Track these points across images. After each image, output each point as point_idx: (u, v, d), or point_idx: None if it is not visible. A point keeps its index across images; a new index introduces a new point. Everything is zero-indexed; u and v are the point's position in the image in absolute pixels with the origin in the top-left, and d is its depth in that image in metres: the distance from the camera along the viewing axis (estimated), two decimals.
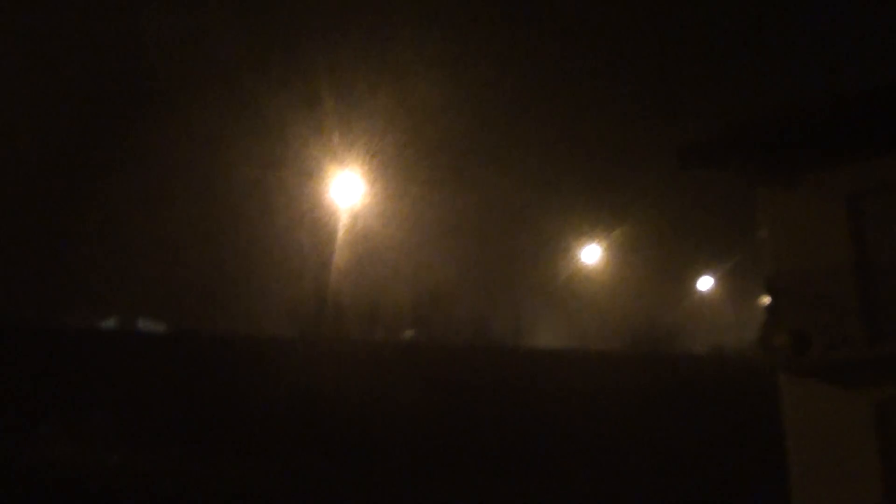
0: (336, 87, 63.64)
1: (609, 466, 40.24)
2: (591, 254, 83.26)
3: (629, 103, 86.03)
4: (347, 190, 59.59)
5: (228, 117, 65.15)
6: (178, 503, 18.02)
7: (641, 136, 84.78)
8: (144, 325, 59.07)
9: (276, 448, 32.94)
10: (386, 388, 37.73)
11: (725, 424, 45.88)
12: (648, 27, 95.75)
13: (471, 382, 40.16)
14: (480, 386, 40.65)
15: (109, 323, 58.35)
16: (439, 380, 39.06)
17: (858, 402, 24.15)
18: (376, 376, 38.13)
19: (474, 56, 75.44)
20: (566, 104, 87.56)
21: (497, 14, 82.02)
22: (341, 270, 51.81)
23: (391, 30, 71.40)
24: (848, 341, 24.07)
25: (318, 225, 59.34)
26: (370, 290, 42.14)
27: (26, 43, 62.06)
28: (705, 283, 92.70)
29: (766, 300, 25.98)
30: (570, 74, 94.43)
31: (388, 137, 63.43)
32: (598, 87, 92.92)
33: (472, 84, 71.78)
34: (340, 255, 55.46)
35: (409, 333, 66.83)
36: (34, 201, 61.58)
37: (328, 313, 40.16)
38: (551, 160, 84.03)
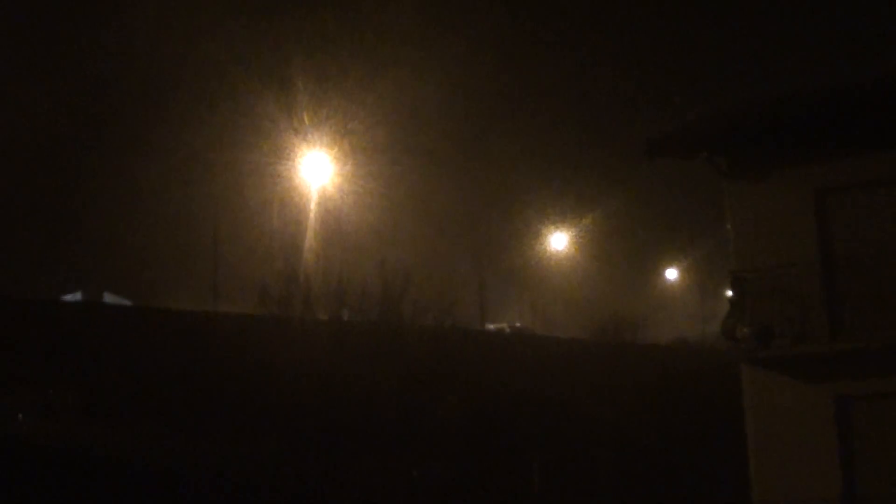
0: (306, 68, 63.57)
1: (569, 453, 40.45)
2: (559, 241, 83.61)
3: (601, 91, 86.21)
4: (318, 170, 59.62)
5: (198, 97, 64.98)
6: (142, 477, 18.12)
7: (612, 125, 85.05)
8: (111, 299, 58.88)
9: (242, 425, 32.96)
10: (353, 368, 37.78)
11: (688, 415, 46.13)
12: (621, 17, 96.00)
13: (436, 364, 40.22)
14: (446, 368, 40.72)
15: (76, 297, 58.13)
16: (405, 361, 39.11)
17: (819, 395, 24.41)
18: (343, 356, 38.16)
19: (446, 38, 75.48)
20: (539, 90, 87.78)
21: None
22: (311, 250, 51.86)
23: (361, 10, 71.33)
24: (811, 335, 24.32)
25: (288, 204, 59.38)
26: (339, 270, 42.11)
27: None
28: (671, 274, 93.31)
29: (730, 292, 26.18)
30: (542, 61, 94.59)
31: (358, 118, 63.46)
32: (571, 75, 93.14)
33: (443, 66, 71.84)
34: (310, 235, 55.50)
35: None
36: (4, 177, 61.33)
37: (297, 293, 40.08)
38: (522, 145, 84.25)
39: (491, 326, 69.45)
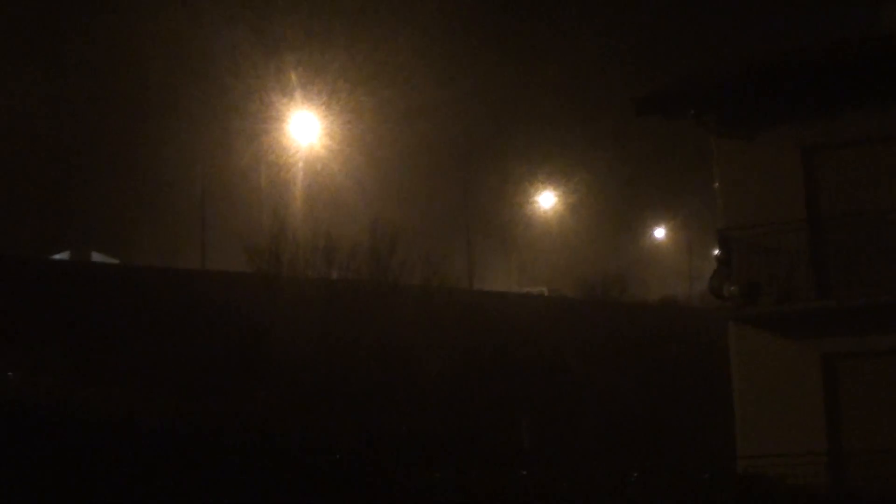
0: (293, 26, 63.39)
1: (557, 411, 40.61)
2: (547, 200, 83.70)
3: (589, 49, 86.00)
4: (305, 129, 59.56)
5: (185, 55, 64.70)
6: (133, 434, 18.25)
7: (600, 82, 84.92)
8: (99, 258, 58.85)
9: (232, 382, 33.06)
10: (341, 326, 37.87)
11: (675, 372, 46.35)
12: None
13: (424, 323, 40.33)
14: (433, 327, 40.84)
15: (63, 255, 58.11)
16: (393, 320, 39.21)
17: (806, 353, 24.58)
18: (331, 314, 38.24)
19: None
20: (526, 47, 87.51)
21: None
22: (299, 208, 51.89)
23: None
24: (797, 293, 24.46)
25: (276, 164, 59.34)
26: (328, 229, 42.13)
27: None
28: (659, 233, 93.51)
29: (717, 250, 26.29)
30: (529, 18, 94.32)
31: (345, 76, 63.33)
32: (559, 33, 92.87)
33: (432, 23, 71.62)
34: (298, 194, 55.53)
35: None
36: None
37: (286, 251, 40.11)
38: (511, 104, 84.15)
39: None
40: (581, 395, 43.64)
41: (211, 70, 63.96)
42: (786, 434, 24.22)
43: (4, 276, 39.00)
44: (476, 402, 38.97)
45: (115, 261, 58.36)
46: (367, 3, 68.81)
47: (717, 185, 26.44)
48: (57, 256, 56.94)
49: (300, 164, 58.29)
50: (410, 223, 51.29)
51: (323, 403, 31.92)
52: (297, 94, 60.58)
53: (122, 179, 66.23)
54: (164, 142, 63.80)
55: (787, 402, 24.65)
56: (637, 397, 44.10)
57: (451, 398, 38.20)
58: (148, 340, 36.77)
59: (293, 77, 61.46)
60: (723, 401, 26.93)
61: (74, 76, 66.89)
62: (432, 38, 72.68)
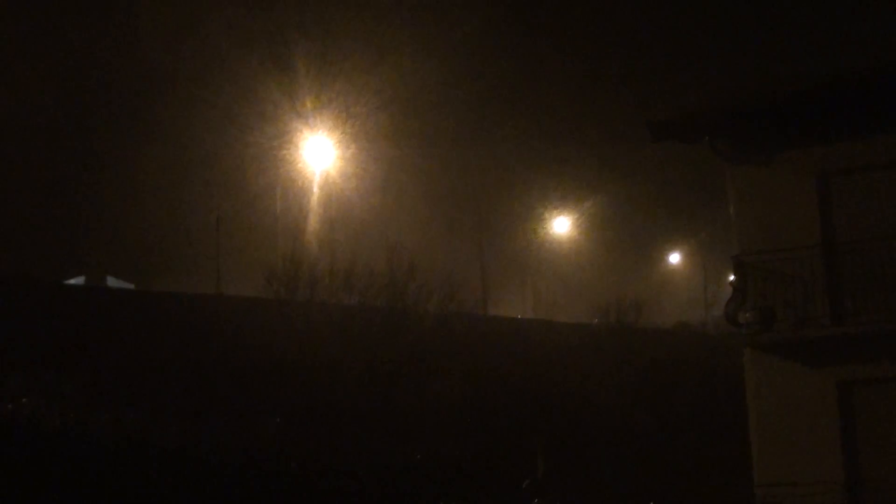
0: (308, 52, 63.61)
1: (572, 436, 40.52)
2: (562, 225, 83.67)
3: (604, 73, 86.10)
4: (320, 154, 59.71)
5: (200, 81, 64.95)
6: (146, 460, 18.22)
7: (614, 107, 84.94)
8: (114, 283, 58.98)
9: (246, 408, 33.05)
10: (358, 352, 37.90)
11: (690, 399, 46.22)
12: (624, 1, 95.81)
13: (440, 348, 40.33)
14: (449, 352, 40.83)
15: (79, 280, 58.25)
16: (410, 345, 39.24)
17: (822, 380, 24.44)
18: (348, 340, 38.27)
19: (447, 21, 75.45)
20: (540, 73, 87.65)
21: None
22: (314, 233, 51.98)
23: None
24: (813, 319, 24.35)
25: (291, 189, 59.49)
26: (343, 254, 42.25)
27: None
28: (674, 258, 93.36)
29: (733, 276, 26.20)
30: (543, 44, 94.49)
31: (360, 102, 63.50)
32: (573, 58, 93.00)
33: (444, 50, 71.82)
34: (314, 219, 55.62)
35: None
36: (6, 159, 61.38)
37: (302, 277, 40.17)
38: (524, 129, 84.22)
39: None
40: (596, 421, 43.55)
41: (226, 95, 64.19)
42: (802, 462, 24.09)
43: (19, 300, 39.10)
44: (491, 428, 38.91)
45: (130, 286, 58.48)
46: (383, 30, 69.06)
47: (731, 210, 26.38)
48: (72, 281, 57.08)
49: (315, 190, 58.41)
50: (426, 248, 51.37)
51: (338, 428, 31.90)
52: (313, 120, 60.78)
53: (138, 204, 66.41)
54: (179, 167, 64.03)
55: (804, 430, 24.52)
56: (652, 422, 43.99)
57: (465, 424, 38.15)
58: (162, 365, 36.79)
59: (308, 103, 61.69)
60: (739, 428, 26.82)
61: (92, 101, 67.22)
62: (449, 64, 72.93)
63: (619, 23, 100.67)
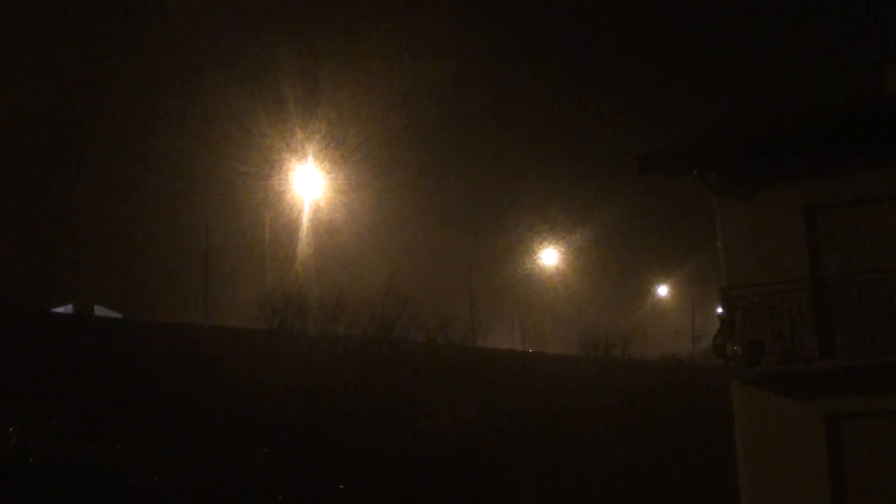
0: (297, 81, 63.70)
1: (559, 468, 40.47)
2: (550, 256, 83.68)
3: (592, 106, 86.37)
4: (310, 183, 59.75)
5: (189, 110, 64.96)
6: (133, 490, 18.08)
7: (602, 140, 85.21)
8: (101, 312, 58.74)
9: (232, 439, 32.96)
10: (345, 383, 37.82)
11: (678, 431, 46.18)
12: (612, 31, 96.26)
13: (429, 380, 40.30)
14: (438, 384, 40.80)
15: (66, 309, 58.00)
16: (398, 376, 39.18)
17: (810, 413, 24.45)
18: (336, 371, 38.20)
19: (438, 51, 75.67)
20: (530, 104, 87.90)
21: (464, 14, 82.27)
22: (303, 263, 51.92)
23: (353, 24, 71.47)
24: (801, 353, 24.37)
25: (280, 218, 59.46)
26: (332, 284, 42.19)
27: None
28: (662, 290, 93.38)
29: (721, 309, 26.21)
30: (534, 75, 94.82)
31: (350, 131, 63.59)
32: (561, 90, 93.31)
33: (434, 81, 71.96)
34: (304, 249, 55.56)
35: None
36: None
37: (292, 307, 40.11)
38: (515, 160, 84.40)
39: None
40: (584, 452, 43.49)
41: (215, 126, 64.18)
42: (790, 494, 24.10)
43: (6, 328, 38.97)
44: (479, 461, 38.83)
45: (117, 315, 58.28)
46: (372, 61, 69.17)
47: (719, 243, 26.42)
48: (60, 309, 56.85)
49: (305, 220, 58.39)
50: (415, 279, 51.33)
51: (325, 460, 31.80)
52: (302, 149, 60.82)
53: (126, 233, 66.28)
54: (168, 197, 63.96)
55: (792, 462, 24.52)
56: (640, 455, 43.97)
57: (454, 455, 38.07)
58: (150, 396, 36.68)
59: (297, 132, 61.74)
60: (726, 460, 26.81)
61: (80, 129, 67.15)
62: (438, 96, 73.08)
63: (607, 56, 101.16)
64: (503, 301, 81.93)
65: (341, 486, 25.54)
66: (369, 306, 41.05)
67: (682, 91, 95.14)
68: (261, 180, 60.40)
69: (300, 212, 58.96)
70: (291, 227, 58.78)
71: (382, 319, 40.83)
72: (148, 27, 65.99)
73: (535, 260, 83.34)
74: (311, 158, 60.64)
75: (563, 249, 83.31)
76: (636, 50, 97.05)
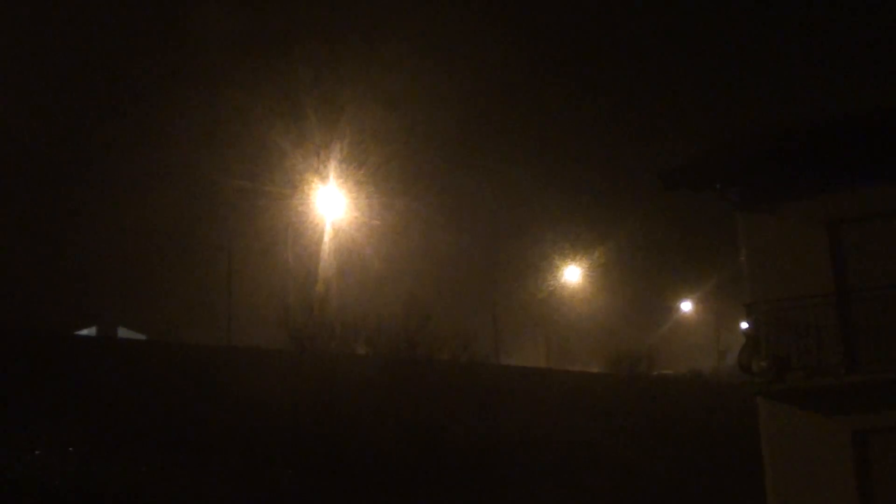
0: (320, 101, 63.82)
1: (583, 485, 40.31)
2: (573, 273, 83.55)
3: (615, 123, 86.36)
4: (332, 203, 59.81)
5: (213, 130, 65.20)
6: None
7: (625, 156, 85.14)
8: (125, 334, 58.91)
9: (256, 460, 32.93)
10: (370, 403, 37.79)
11: (703, 447, 45.96)
12: (636, 49, 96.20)
13: (451, 398, 40.22)
14: (460, 402, 40.71)
15: (90, 331, 58.19)
16: (421, 395, 39.13)
17: (836, 428, 24.28)
18: (359, 391, 38.17)
19: (460, 71, 75.80)
20: (552, 123, 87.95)
21: (484, 31, 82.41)
22: (325, 283, 51.89)
23: (376, 44, 71.64)
24: (827, 367, 24.21)
25: (303, 238, 59.50)
26: (355, 305, 42.24)
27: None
28: (686, 306, 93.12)
29: (745, 324, 26.08)
30: (556, 94, 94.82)
31: (372, 150, 63.64)
32: (584, 108, 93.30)
33: (457, 99, 72.15)
34: (326, 269, 55.55)
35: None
36: (17, 209, 61.57)
37: (314, 326, 40.12)
38: (536, 177, 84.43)
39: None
40: (608, 468, 43.31)
41: (238, 146, 64.40)
42: None
43: (31, 351, 39.09)
44: (502, 476, 38.73)
45: (141, 336, 58.42)
46: (394, 79, 69.25)
47: (743, 258, 26.30)
48: (84, 332, 57.03)
49: (327, 239, 58.43)
50: (438, 298, 51.30)
51: (350, 480, 31.76)
52: (325, 170, 60.89)
53: (150, 254, 66.51)
54: (191, 218, 64.13)
55: (819, 479, 24.33)
56: (665, 471, 43.75)
57: (476, 474, 37.96)
58: (173, 417, 36.71)
59: (319, 152, 61.79)
60: (753, 476, 26.64)
61: (105, 156, 67.47)
62: (461, 114, 73.20)
63: (631, 71, 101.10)
64: (527, 318, 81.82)
65: None
66: (391, 325, 41.01)
67: (703, 107, 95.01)
68: (283, 200, 60.50)
69: (322, 232, 59.00)
70: (313, 248, 58.82)
71: (404, 338, 40.78)
72: (172, 50, 66.33)
73: (559, 277, 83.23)
74: (333, 179, 60.71)
75: (586, 266, 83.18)
76: (658, 67, 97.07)
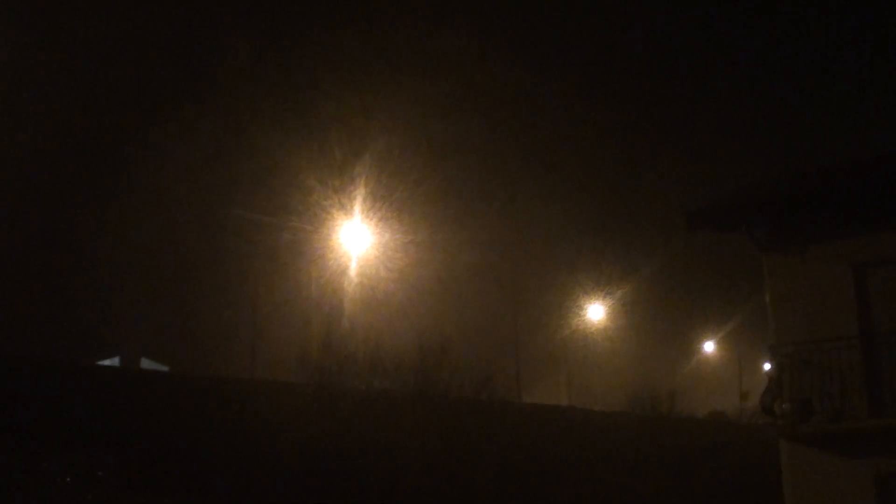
0: (344, 135, 64.10)
1: None
2: (596, 312, 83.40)
3: (639, 163, 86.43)
4: (356, 239, 59.92)
5: (237, 165, 65.57)
6: None
7: (649, 195, 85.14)
8: (148, 365, 59.05)
9: (279, 494, 32.95)
10: (390, 437, 37.77)
11: (725, 490, 45.74)
12: (658, 85, 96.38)
13: (472, 435, 40.16)
14: (481, 439, 40.65)
15: (113, 361, 58.35)
16: (441, 431, 39.09)
17: (860, 473, 24.17)
18: (379, 426, 38.17)
19: (482, 105, 76.06)
20: (580, 160, 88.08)
21: (509, 61, 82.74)
22: (350, 318, 51.96)
23: (400, 80, 72.00)
24: (850, 411, 24.13)
25: (327, 273, 59.61)
26: (377, 340, 42.27)
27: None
28: (709, 347, 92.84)
29: (769, 366, 26.01)
30: (584, 130, 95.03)
31: (397, 185, 63.79)
32: (612, 145, 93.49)
33: (480, 134, 72.37)
34: (349, 304, 55.62)
35: None
36: (38, 237, 61.93)
37: (335, 361, 40.20)
38: (559, 214, 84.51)
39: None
40: None
41: (263, 181, 64.70)
42: None
43: (56, 381, 39.24)
44: None
45: (164, 368, 58.54)
46: (417, 115, 69.60)
47: (767, 300, 26.27)
48: (106, 362, 57.19)
49: (351, 274, 58.53)
50: (461, 334, 51.26)
51: None
52: (350, 205, 61.05)
53: (173, 287, 66.77)
54: (215, 250, 64.38)
55: None
56: None
57: None
58: (196, 449, 36.78)
59: (346, 189, 61.98)
60: None
61: (130, 186, 67.87)
62: (484, 151, 73.38)
63: (656, 109, 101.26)
64: (549, 357, 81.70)
65: None
66: (412, 361, 41.06)
67: (728, 148, 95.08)
68: (307, 235, 60.66)
69: (347, 267, 59.11)
70: (337, 283, 58.90)
71: (425, 374, 40.81)
72: (197, 85, 66.76)
73: (582, 315, 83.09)
74: (357, 214, 60.85)
75: (609, 304, 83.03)
76: (684, 104, 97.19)
